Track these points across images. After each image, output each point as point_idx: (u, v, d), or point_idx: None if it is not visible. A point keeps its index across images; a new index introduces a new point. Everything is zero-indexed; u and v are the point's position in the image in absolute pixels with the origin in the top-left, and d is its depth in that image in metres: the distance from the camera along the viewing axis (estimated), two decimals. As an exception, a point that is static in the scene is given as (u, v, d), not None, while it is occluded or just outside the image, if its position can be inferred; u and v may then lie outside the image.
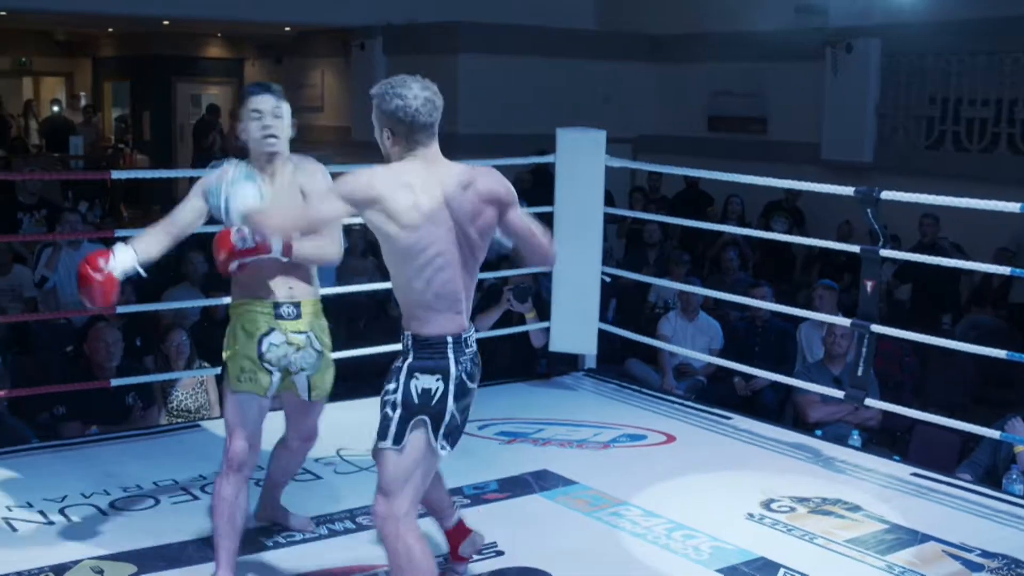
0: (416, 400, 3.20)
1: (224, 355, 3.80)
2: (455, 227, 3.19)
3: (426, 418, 3.20)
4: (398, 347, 3.35)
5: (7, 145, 17.31)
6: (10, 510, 4.31)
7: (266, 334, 3.72)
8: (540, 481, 4.75)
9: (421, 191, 3.15)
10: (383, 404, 3.28)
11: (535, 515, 4.40)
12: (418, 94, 3.18)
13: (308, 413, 3.95)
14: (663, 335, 7.42)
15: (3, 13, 14.95)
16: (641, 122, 13.45)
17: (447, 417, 3.22)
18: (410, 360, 3.25)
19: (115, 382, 5.55)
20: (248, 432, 3.70)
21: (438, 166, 3.23)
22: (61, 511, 4.31)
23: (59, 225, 8.30)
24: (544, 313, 6.55)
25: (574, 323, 6.39)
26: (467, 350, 3.27)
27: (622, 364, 7.50)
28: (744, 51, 12.48)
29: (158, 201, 13.94)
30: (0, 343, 6.75)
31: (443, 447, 3.24)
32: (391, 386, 3.26)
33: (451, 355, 3.22)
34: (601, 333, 6.48)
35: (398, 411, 3.22)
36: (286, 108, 3.80)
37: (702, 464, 5.09)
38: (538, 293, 7.19)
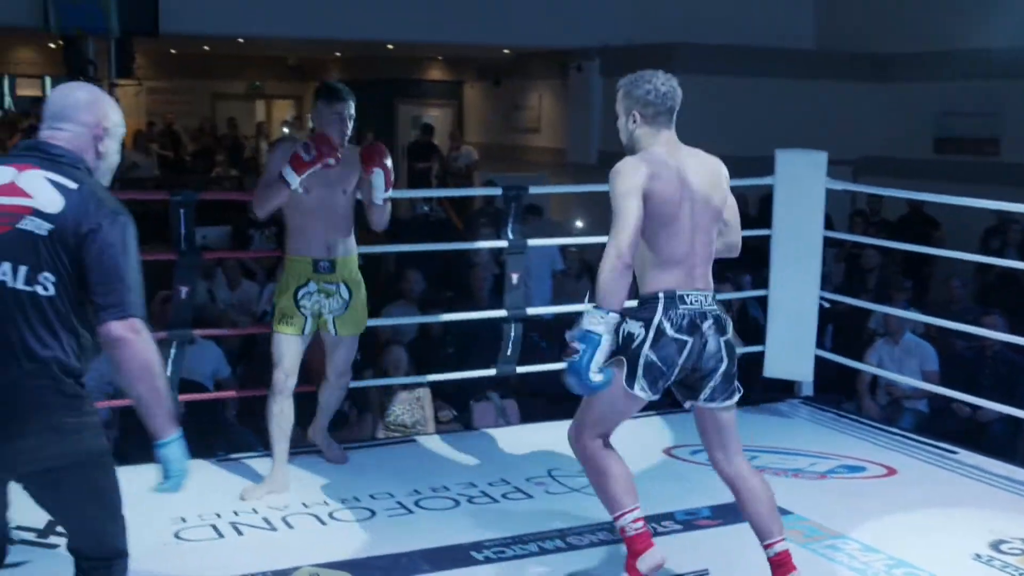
0: (620, 342, 3.50)
1: (274, 300, 4.72)
2: (692, 198, 3.58)
3: (622, 359, 3.49)
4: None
5: (240, 165, 18.19)
6: (236, 515, 4.50)
7: (303, 285, 4.62)
8: (753, 510, 4.63)
9: (673, 168, 3.57)
10: None
11: (748, 544, 4.29)
12: (664, 81, 3.64)
13: (337, 348, 4.81)
14: (870, 364, 7.18)
15: (241, 40, 15.76)
16: (862, 143, 13.06)
17: (642, 360, 3.48)
18: (630, 312, 3.56)
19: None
20: (287, 364, 4.64)
21: (679, 147, 3.65)
22: (283, 518, 4.48)
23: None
24: (756, 338, 6.41)
25: (790, 349, 6.22)
26: (682, 306, 3.51)
27: (839, 392, 7.28)
28: (976, 69, 11.93)
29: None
30: (231, 355, 7.07)
31: (642, 388, 3.50)
32: None
33: (659, 307, 3.50)
34: (817, 360, 6.30)
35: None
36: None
37: (925, 499, 4.87)
38: (744, 314, 7.05)
